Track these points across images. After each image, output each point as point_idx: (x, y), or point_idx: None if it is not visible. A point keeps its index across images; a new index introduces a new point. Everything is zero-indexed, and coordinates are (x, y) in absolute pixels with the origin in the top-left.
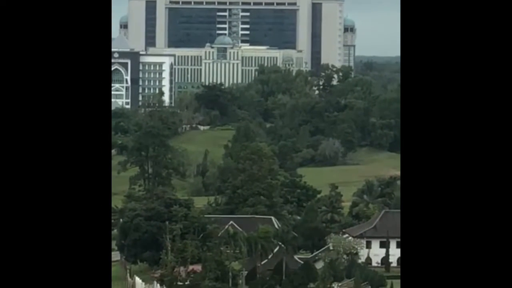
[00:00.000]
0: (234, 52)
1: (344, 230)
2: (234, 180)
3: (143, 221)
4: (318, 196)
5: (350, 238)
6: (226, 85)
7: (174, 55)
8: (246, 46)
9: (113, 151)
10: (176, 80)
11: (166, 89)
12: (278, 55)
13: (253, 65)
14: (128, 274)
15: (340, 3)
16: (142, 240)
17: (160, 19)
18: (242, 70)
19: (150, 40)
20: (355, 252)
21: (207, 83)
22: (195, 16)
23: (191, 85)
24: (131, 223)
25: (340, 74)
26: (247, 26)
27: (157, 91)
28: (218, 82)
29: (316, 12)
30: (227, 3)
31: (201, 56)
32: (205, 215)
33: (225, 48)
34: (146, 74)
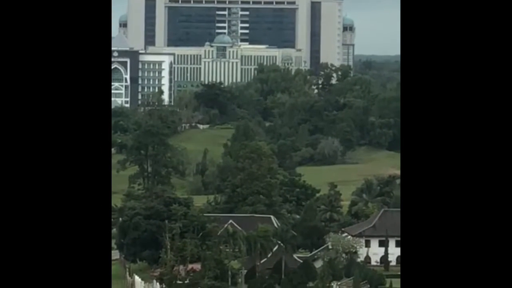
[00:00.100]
0: (233, 51)
1: (343, 229)
2: (233, 179)
3: (142, 220)
4: (317, 195)
5: (349, 237)
6: (226, 84)
7: (173, 54)
8: (245, 45)
9: (113, 150)
10: (176, 79)
11: (165, 88)
12: (277, 54)
13: (253, 64)
14: (127, 273)
15: (339, 2)
16: (141, 239)
17: (159, 18)
18: (242, 69)
19: (150, 39)
20: (354, 251)
21: (206, 82)
22: (194, 15)
23: (191, 84)
24: (130, 222)
25: (339, 73)
26: (247, 25)
27: (156, 90)
28: (218, 81)
29: (315, 11)
30: (227, 2)
31: (200, 55)
32: (205, 214)
33: (225, 47)
34: (146, 73)
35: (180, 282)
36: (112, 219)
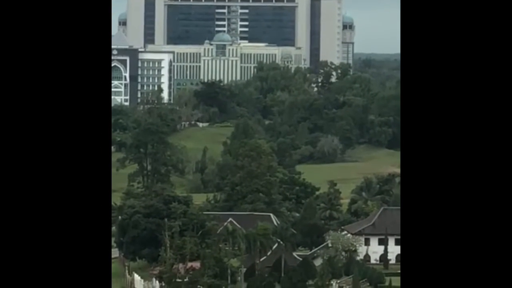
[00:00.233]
0: (233, 49)
1: (342, 227)
2: (233, 177)
3: (142, 218)
4: (317, 193)
5: (349, 235)
6: (225, 82)
7: (173, 52)
8: (245, 43)
9: (112, 148)
10: (175, 77)
11: (165, 86)
12: (277, 52)
13: (252, 62)
14: (126, 271)
15: (338, 0)
16: (140, 237)
17: (159, 16)
18: (241, 67)
19: (149, 37)
20: (353, 249)
21: (206, 80)
22: (194, 13)
23: (190, 82)
24: (129, 220)
25: (339, 71)
26: (246, 23)
27: (156, 88)
28: (217, 79)
29: (314, 9)
30: (226, 0)
31: (200, 53)
32: (204, 212)
33: (224, 45)
34: (145, 71)
35: (180, 280)
36: (111, 217)
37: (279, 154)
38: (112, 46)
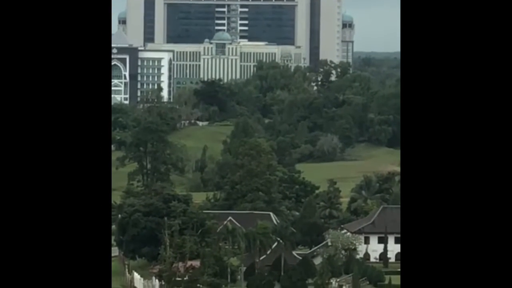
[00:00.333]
0: (232, 48)
1: (342, 226)
2: (232, 176)
3: (141, 217)
4: (317, 191)
5: (348, 233)
6: (225, 80)
7: (172, 51)
8: (244, 42)
9: (112, 147)
10: (175, 76)
11: (164, 85)
12: (276, 51)
13: (252, 60)
14: (126, 270)
15: None
16: (140, 236)
17: (158, 15)
18: (241, 65)
19: (149, 36)
20: (353, 247)
21: (205, 79)
22: (193, 12)
23: (190, 81)
24: (129, 219)
25: (338, 70)
26: (246, 22)
27: (155, 87)
28: (217, 77)
29: (314, 8)
30: None
31: (199, 52)
32: (204, 211)
33: (224, 44)
34: (145, 69)
35: (179, 279)
36: (111, 216)
37: (279, 153)
38: (112, 45)
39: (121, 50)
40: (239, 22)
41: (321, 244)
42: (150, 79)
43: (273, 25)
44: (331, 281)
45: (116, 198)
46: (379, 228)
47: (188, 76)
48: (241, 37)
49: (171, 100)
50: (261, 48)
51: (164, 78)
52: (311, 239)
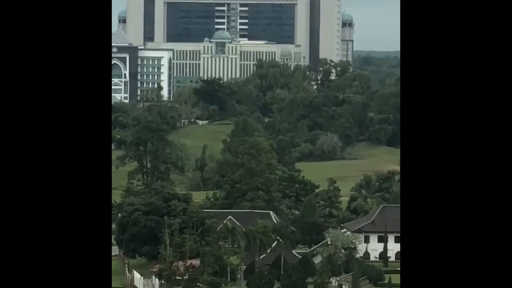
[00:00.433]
0: (232, 47)
1: (342, 225)
2: (232, 175)
3: (141, 216)
4: (316, 190)
5: (348, 232)
6: (225, 79)
7: (172, 50)
8: (244, 41)
9: (112, 146)
10: (175, 75)
11: (164, 84)
12: (276, 49)
13: (252, 59)
14: (126, 269)
15: None
16: (140, 235)
17: (158, 14)
18: (241, 64)
19: (149, 35)
20: (353, 246)
21: (205, 78)
22: (193, 10)
23: (190, 80)
24: (129, 218)
25: (338, 68)
26: (246, 20)
27: (155, 86)
28: (217, 76)
29: (314, 7)
30: None
31: (199, 51)
32: (204, 210)
33: (224, 43)
34: (145, 68)
35: (179, 278)
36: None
37: (279, 151)
38: (112, 44)
39: (121, 49)
40: (239, 21)
41: (321, 243)
42: (150, 78)
43: (273, 24)
44: (331, 280)
45: (116, 197)
46: (379, 227)
47: (188, 75)
48: (241, 36)
49: (171, 99)
50: (261, 47)
51: (164, 77)
52: (311, 238)
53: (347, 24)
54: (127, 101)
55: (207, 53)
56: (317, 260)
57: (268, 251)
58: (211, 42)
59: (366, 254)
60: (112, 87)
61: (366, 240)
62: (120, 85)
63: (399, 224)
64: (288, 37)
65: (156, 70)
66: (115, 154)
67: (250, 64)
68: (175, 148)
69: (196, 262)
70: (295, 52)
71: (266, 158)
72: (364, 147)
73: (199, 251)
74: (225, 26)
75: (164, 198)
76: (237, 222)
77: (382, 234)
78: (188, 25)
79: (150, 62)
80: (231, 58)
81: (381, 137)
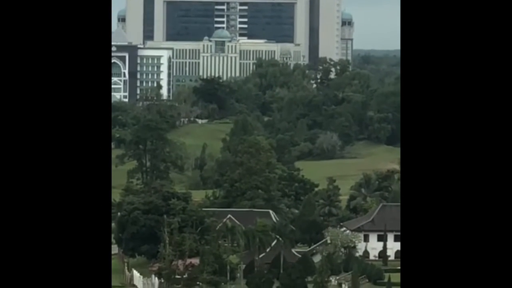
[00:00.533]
0: (232, 46)
1: (341, 224)
2: (232, 174)
3: (141, 215)
4: (316, 189)
5: (348, 231)
6: (224, 78)
7: (172, 49)
8: (244, 40)
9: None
10: (174, 74)
11: (164, 83)
12: (276, 48)
13: (251, 58)
14: (126, 268)
15: None
16: (140, 234)
17: (158, 13)
18: (240, 63)
19: (148, 34)
20: (352, 245)
21: (205, 77)
22: (193, 9)
23: (189, 79)
24: (129, 217)
25: (338, 67)
26: (245, 19)
27: (155, 85)
28: (216, 75)
29: (313, 5)
30: None
31: (199, 50)
32: (203, 209)
33: (223, 42)
34: (144, 67)
35: (179, 276)
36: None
37: (278, 150)
38: (111, 43)
39: (120, 48)
40: (239, 20)
41: (320, 242)
42: (150, 77)
43: (272, 23)
44: (331, 279)
45: (116, 196)
46: (379, 226)
47: (187, 74)
48: (241, 35)
49: (171, 98)
50: (260, 46)
51: (164, 76)
52: (311, 237)
53: (346, 23)
54: (126, 100)
55: (207, 52)
56: (317, 259)
57: (268, 250)
58: (210, 41)
59: (366, 253)
60: (112, 86)
61: (366, 239)
62: (120, 84)
63: (399, 223)
64: (287, 36)
65: (155, 69)
66: (115, 153)
67: (249, 63)
68: (175, 147)
69: (195, 261)
70: (295, 51)
71: (266, 157)
72: (364, 146)
73: (199, 250)
74: (224, 25)
75: (163, 197)
76: (236, 221)
77: (382, 233)
78: (188, 24)
79: (150, 61)
80: (231, 57)
81: (380, 136)
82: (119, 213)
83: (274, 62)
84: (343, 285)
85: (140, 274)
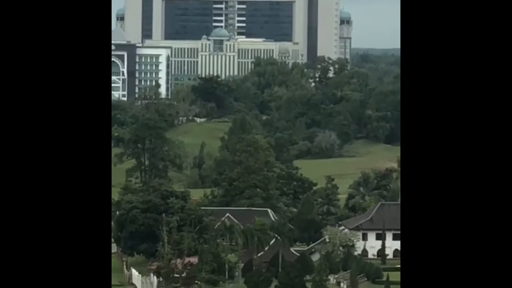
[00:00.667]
0: (230, 45)
1: (340, 222)
2: (230, 172)
3: (139, 213)
4: (314, 188)
5: (346, 230)
6: (223, 77)
7: (170, 47)
8: (242, 39)
9: None
10: (173, 72)
11: (162, 81)
12: (274, 47)
13: (250, 57)
14: (124, 266)
15: None
16: (138, 232)
17: (156, 12)
18: (239, 62)
19: (147, 33)
20: (351, 244)
21: (203, 75)
22: (191, 8)
23: (188, 77)
24: (127, 215)
25: (336, 66)
26: (244, 18)
27: (153, 83)
28: (215, 74)
29: (312, 4)
30: None
31: (197, 48)
32: (202, 207)
33: (222, 41)
34: (143, 66)
35: (177, 275)
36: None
37: (277, 149)
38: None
39: (119, 46)
40: (237, 18)
41: (319, 241)
42: (148, 75)
43: (270, 21)
44: (329, 277)
45: (114, 194)
46: (377, 225)
47: (186, 73)
48: (239, 33)
49: (169, 96)
50: (258, 44)
51: (162, 74)
52: (309, 236)
53: (345, 21)
54: (125, 98)
55: (205, 50)
56: (315, 257)
57: (266, 248)
58: (209, 39)
59: (364, 251)
60: None
61: (364, 238)
62: (118, 83)
63: (397, 221)
64: (286, 35)
65: (154, 67)
66: (113, 151)
67: (248, 62)
68: (173, 146)
69: (194, 259)
70: (293, 49)
71: (264, 155)
72: (362, 145)
73: (197, 249)
74: (223, 24)
75: (162, 195)
76: (235, 220)
77: (380, 232)
78: (186, 22)
79: (148, 60)
80: (229, 56)
81: (379, 134)
82: (117, 212)
83: (272, 60)
84: (341, 284)
85: (139, 272)
